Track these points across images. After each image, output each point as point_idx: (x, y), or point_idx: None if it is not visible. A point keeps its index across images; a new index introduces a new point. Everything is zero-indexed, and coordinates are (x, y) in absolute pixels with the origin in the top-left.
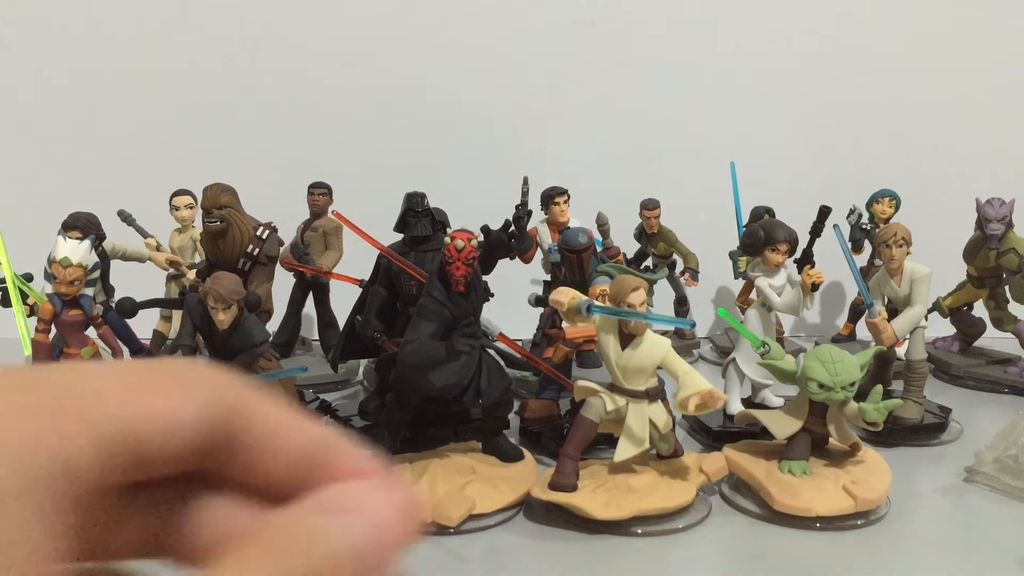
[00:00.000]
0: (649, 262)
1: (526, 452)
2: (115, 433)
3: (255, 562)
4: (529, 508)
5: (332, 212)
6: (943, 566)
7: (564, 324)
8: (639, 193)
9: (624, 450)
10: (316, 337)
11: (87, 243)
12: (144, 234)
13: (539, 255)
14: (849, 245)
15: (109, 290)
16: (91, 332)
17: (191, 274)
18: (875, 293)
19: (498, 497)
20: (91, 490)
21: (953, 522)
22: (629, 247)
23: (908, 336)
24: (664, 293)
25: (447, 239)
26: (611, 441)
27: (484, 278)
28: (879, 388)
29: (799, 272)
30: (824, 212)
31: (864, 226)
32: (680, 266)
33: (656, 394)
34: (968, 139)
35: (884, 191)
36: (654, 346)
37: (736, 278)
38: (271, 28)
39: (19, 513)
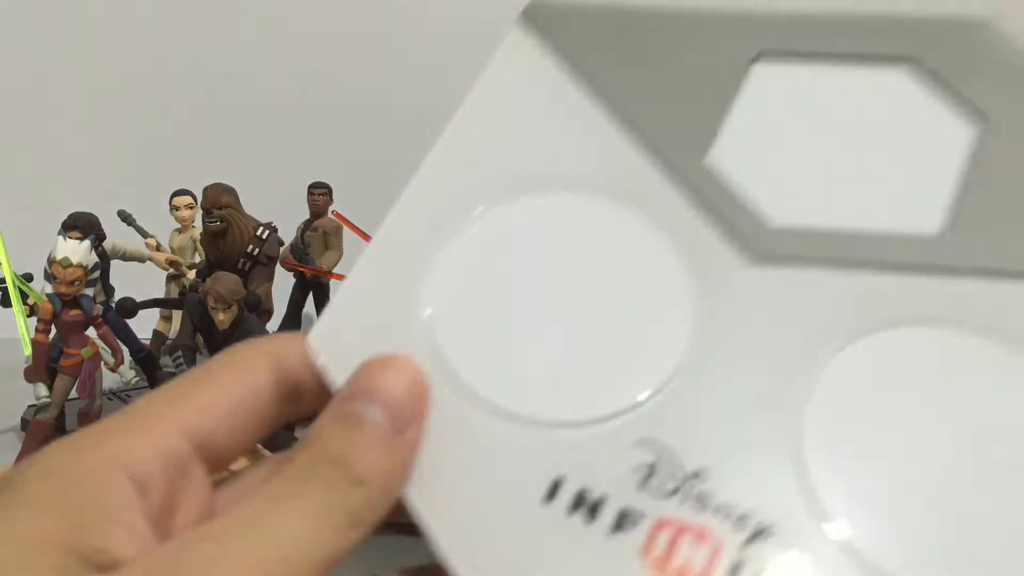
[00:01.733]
0: None
1: None
2: (178, 442)
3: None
4: None
5: (332, 212)
6: None
7: None
8: None
9: None
10: None
11: (87, 243)
12: (144, 234)
13: None
14: None
15: (109, 290)
16: (91, 332)
17: (191, 274)
18: None
19: None
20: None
21: None
22: None
23: None
24: None
25: None
26: None
27: None
28: None
29: None
30: None
31: None
32: None
33: None
34: None
35: None
36: None
37: None
38: (271, 28)
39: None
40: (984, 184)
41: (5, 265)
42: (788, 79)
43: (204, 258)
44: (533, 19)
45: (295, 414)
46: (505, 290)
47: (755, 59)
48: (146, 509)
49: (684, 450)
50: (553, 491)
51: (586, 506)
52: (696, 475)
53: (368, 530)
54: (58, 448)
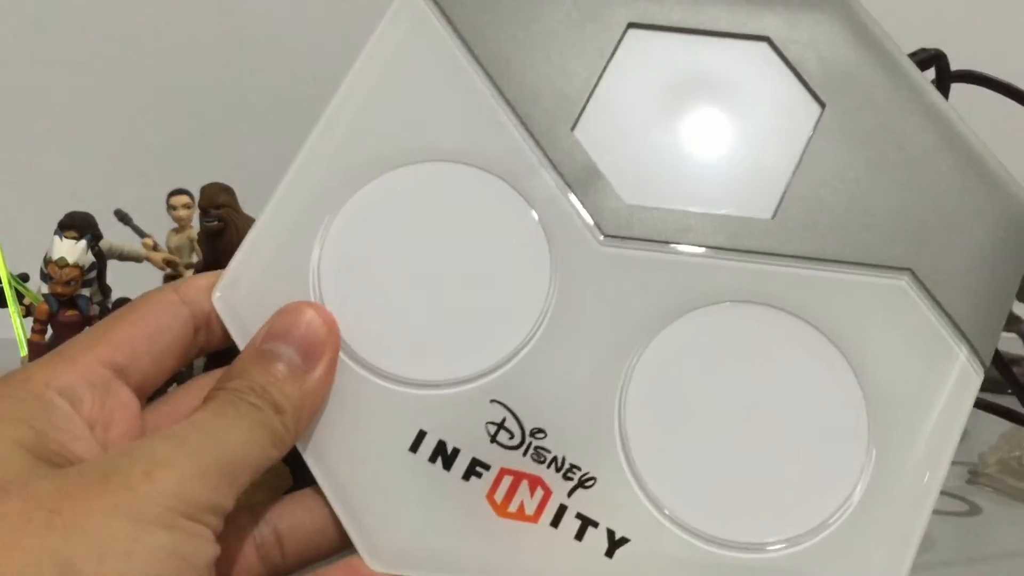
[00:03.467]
0: None
1: None
2: (99, 370)
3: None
4: None
5: None
6: (945, 567)
7: None
8: None
9: None
10: None
11: (83, 243)
12: (141, 234)
13: None
14: None
15: (106, 290)
16: None
17: (188, 274)
18: None
19: None
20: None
21: (955, 523)
22: None
23: None
24: None
25: None
26: None
27: None
28: None
29: None
30: None
31: None
32: None
33: None
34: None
35: None
36: None
37: None
38: (270, 27)
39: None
40: (812, 173)
41: (1, 265)
42: (656, 51)
43: (201, 258)
44: None
45: (210, 344)
46: (383, 257)
47: (627, 28)
48: (83, 420)
49: (528, 411)
50: (417, 442)
51: (444, 455)
52: (536, 433)
53: (285, 451)
54: None
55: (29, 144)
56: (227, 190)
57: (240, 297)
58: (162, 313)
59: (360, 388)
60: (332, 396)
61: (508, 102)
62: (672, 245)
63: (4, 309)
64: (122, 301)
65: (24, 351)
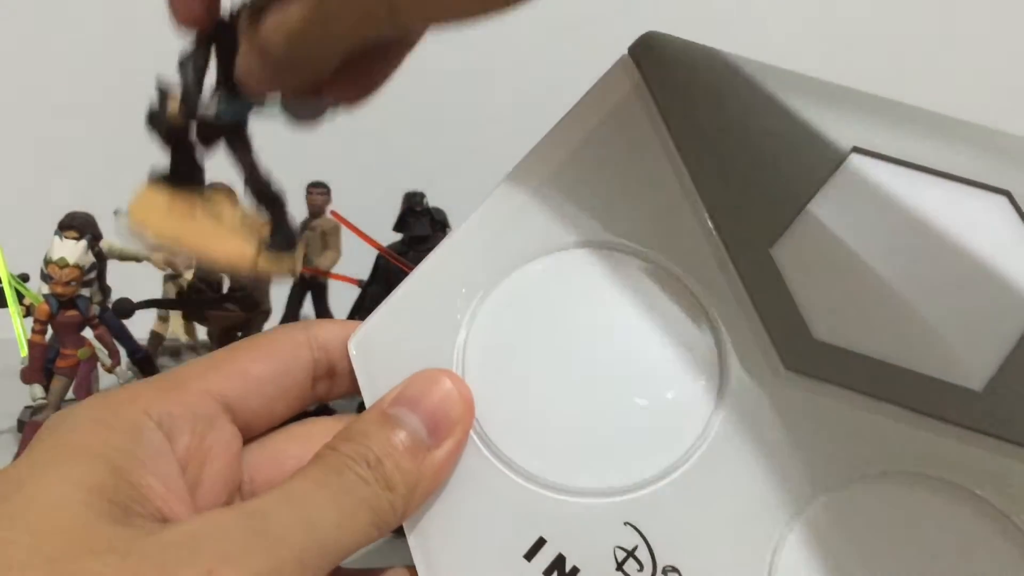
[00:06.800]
0: None
1: None
2: (207, 401)
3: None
4: None
5: (330, 212)
6: None
7: None
8: None
9: None
10: None
11: (83, 243)
12: None
13: None
14: None
15: (105, 290)
16: (87, 333)
17: (188, 275)
18: None
19: None
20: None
21: None
22: None
23: None
24: None
25: None
26: None
27: None
28: None
29: None
30: None
31: None
32: None
33: None
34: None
35: None
36: None
37: None
38: None
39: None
40: None
41: (1, 265)
42: (878, 182)
43: None
44: (640, 55)
45: (329, 394)
46: (540, 341)
47: (850, 151)
48: (176, 457)
49: (665, 544)
50: (534, 550)
51: (560, 572)
52: (668, 571)
53: (387, 532)
54: (99, 400)
55: (29, 144)
56: (227, 190)
57: (378, 350)
58: (285, 355)
59: (484, 474)
60: (452, 477)
61: (706, 203)
62: (860, 396)
63: (4, 309)
64: (122, 301)
65: (24, 351)
